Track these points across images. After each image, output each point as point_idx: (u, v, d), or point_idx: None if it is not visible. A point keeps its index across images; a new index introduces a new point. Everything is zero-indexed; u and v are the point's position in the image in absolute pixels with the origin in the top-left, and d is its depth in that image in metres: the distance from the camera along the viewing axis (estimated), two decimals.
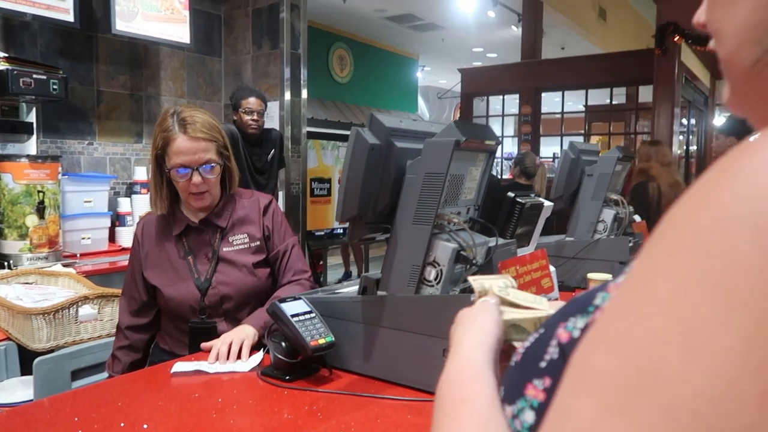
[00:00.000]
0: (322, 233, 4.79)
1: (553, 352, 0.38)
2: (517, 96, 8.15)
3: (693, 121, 8.25)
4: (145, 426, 1.01)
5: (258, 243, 1.61)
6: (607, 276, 1.81)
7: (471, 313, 0.53)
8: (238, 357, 1.36)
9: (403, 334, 1.18)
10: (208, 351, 1.36)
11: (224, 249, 1.58)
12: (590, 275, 1.83)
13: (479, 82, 8.47)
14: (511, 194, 1.62)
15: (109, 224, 3.15)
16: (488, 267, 1.29)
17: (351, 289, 1.38)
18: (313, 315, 1.25)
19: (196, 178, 1.51)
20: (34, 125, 2.94)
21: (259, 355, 1.36)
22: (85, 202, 3.05)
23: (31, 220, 2.63)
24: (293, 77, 3.90)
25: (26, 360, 1.95)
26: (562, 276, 2.12)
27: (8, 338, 1.94)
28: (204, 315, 1.55)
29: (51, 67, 2.80)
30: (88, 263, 2.81)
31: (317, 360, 1.27)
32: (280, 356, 1.23)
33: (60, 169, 2.78)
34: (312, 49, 6.10)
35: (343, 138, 5.22)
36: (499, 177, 8.49)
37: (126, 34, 3.28)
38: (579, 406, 0.26)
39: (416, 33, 9.58)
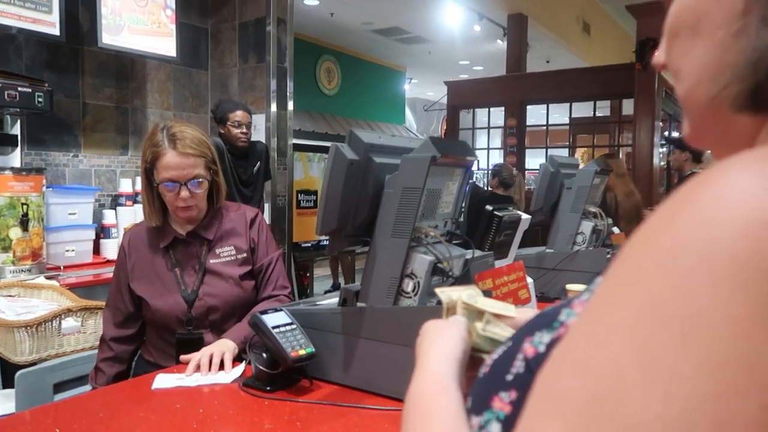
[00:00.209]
0: (309, 245, 4.80)
1: (519, 365, 0.39)
2: (502, 108, 8.25)
3: (676, 134, 8.39)
4: None
5: (244, 255, 1.64)
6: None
7: (437, 326, 0.54)
8: (221, 368, 1.37)
9: (382, 345, 1.20)
10: (188, 364, 1.38)
11: (211, 261, 1.60)
12: (569, 286, 1.87)
13: (465, 95, 8.56)
14: (489, 207, 1.66)
15: (93, 236, 3.15)
16: (466, 278, 1.33)
17: (331, 300, 1.41)
18: (293, 326, 1.27)
19: (184, 193, 1.54)
20: (19, 137, 2.94)
21: (240, 367, 1.38)
22: (70, 214, 3.05)
23: (15, 233, 2.63)
24: (279, 90, 3.93)
25: (8, 373, 1.95)
26: (542, 287, 2.16)
27: None
28: (191, 326, 1.56)
29: (36, 80, 2.81)
30: (72, 275, 2.81)
31: (298, 371, 1.29)
32: (261, 367, 1.25)
33: (44, 181, 2.78)
34: (299, 62, 6.15)
35: None
36: (486, 188, 8.56)
37: (112, 48, 3.30)
38: (543, 427, 0.27)
39: (403, 46, 9.68)
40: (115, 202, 3.50)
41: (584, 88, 7.46)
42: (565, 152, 9.02)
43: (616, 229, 2.51)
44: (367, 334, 1.23)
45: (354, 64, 9.97)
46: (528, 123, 8.26)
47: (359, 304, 1.25)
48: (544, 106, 8.31)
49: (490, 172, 4.26)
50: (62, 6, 2.97)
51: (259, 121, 3.81)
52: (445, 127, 11.43)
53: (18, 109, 2.75)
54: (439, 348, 0.50)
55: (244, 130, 3.27)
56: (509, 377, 0.39)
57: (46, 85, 2.82)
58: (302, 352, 1.23)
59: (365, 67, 10.32)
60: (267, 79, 3.90)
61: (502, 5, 7.69)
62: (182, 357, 1.43)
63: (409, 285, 1.21)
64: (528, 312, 0.59)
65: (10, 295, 2.30)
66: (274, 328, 1.24)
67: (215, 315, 1.58)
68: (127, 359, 1.64)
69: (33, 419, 1.12)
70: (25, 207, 2.64)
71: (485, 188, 8.18)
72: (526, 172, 7.89)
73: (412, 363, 0.52)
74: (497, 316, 0.57)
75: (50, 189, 2.95)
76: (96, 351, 1.72)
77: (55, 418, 1.11)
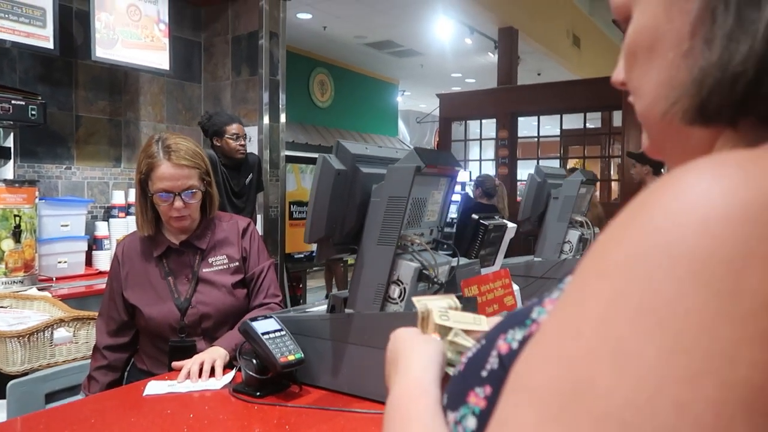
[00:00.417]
0: (302, 255, 4.82)
1: (493, 362, 0.41)
2: (494, 120, 8.33)
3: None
4: None
5: (237, 264, 1.67)
6: None
7: (413, 335, 0.56)
8: (211, 375, 1.39)
9: (369, 350, 1.23)
10: (179, 370, 1.40)
11: (204, 270, 1.63)
12: None
13: (457, 107, 8.64)
14: (475, 216, 1.69)
15: (86, 248, 3.16)
16: (452, 285, 1.36)
17: (320, 308, 1.43)
18: (283, 333, 1.29)
19: (178, 203, 1.56)
20: (12, 150, 2.96)
21: (231, 374, 1.40)
22: (62, 226, 3.06)
23: (7, 244, 2.64)
24: (272, 103, 3.97)
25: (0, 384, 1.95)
26: (530, 295, 2.19)
27: None
28: (183, 334, 1.58)
29: (30, 93, 2.84)
30: (65, 287, 2.81)
31: (287, 376, 1.31)
32: (251, 373, 1.27)
33: (37, 193, 2.80)
34: (293, 75, 6.21)
35: None
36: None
37: (106, 61, 3.33)
38: (518, 416, 0.28)
39: (396, 59, 9.77)
40: (108, 214, 3.51)
41: (575, 100, 7.55)
42: (556, 163, 9.11)
43: None
44: (355, 339, 1.25)
45: (347, 77, 10.05)
46: (519, 135, 8.34)
47: (347, 311, 1.28)
48: (536, 117, 8.40)
49: (473, 183, 4.46)
50: (56, 20, 3.01)
51: (251, 133, 3.84)
52: (437, 139, 11.53)
53: (11, 122, 2.77)
54: (422, 355, 0.52)
55: (242, 143, 3.31)
56: (484, 373, 0.41)
57: (40, 98, 2.84)
58: (291, 357, 1.25)
59: (358, 80, 10.40)
60: (259, 91, 3.94)
61: (492, 19, 7.80)
62: (174, 364, 1.45)
63: (395, 291, 1.23)
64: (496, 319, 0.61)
65: (2, 307, 2.31)
66: (263, 334, 1.26)
67: (208, 323, 1.60)
68: (121, 368, 1.66)
69: (25, 426, 1.14)
70: (17, 219, 2.66)
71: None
72: (519, 183, 7.96)
73: None
74: (468, 332, 0.59)
75: (43, 201, 2.96)
76: (88, 361, 1.73)
77: (47, 423, 1.13)
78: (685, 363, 0.24)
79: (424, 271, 1.23)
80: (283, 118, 4.06)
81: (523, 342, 0.40)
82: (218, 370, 1.41)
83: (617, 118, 8.36)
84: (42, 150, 3.29)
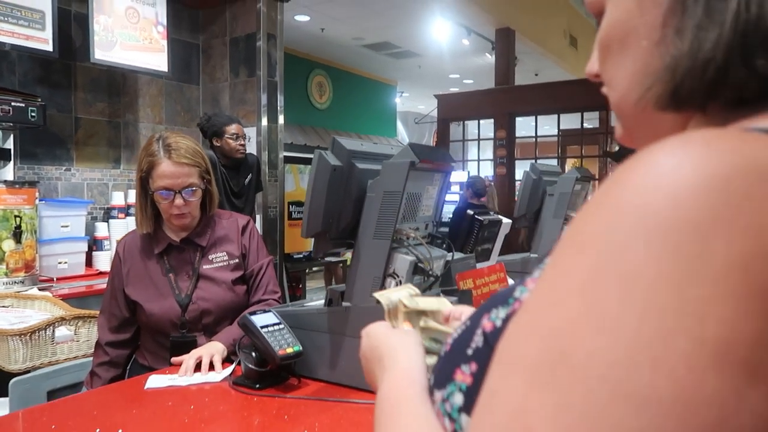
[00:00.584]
0: (301, 255, 4.84)
1: (478, 340, 0.42)
2: (492, 121, 8.36)
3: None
4: (120, 431, 1.06)
5: (236, 261, 1.69)
6: None
7: (388, 330, 0.58)
8: (210, 369, 1.42)
9: None
10: (179, 365, 1.42)
11: (204, 267, 1.65)
12: None
13: (455, 108, 8.68)
14: (470, 212, 1.72)
15: (86, 249, 3.18)
16: (447, 279, 1.38)
17: (318, 302, 1.46)
18: (281, 326, 1.32)
19: (179, 201, 1.59)
20: (12, 151, 2.98)
21: (230, 368, 1.43)
22: (62, 226, 3.08)
23: (8, 245, 2.66)
24: (270, 104, 4.00)
25: (1, 383, 1.97)
26: None
27: None
28: (184, 329, 1.61)
29: (29, 95, 2.86)
30: (65, 287, 2.84)
31: (286, 369, 1.34)
32: (250, 365, 1.30)
33: (37, 194, 2.83)
34: (291, 76, 6.23)
35: None
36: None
37: (105, 63, 3.36)
38: (507, 386, 0.30)
39: (394, 60, 9.80)
40: (108, 215, 3.54)
41: (572, 100, 7.57)
42: (554, 163, 9.13)
43: None
44: (352, 332, 1.28)
45: (345, 79, 10.08)
46: (517, 135, 8.37)
47: (344, 304, 1.30)
48: (533, 118, 8.43)
49: (465, 184, 4.67)
50: (55, 23, 3.03)
51: (250, 134, 3.87)
52: (436, 140, 11.56)
53: (11, 124, 2.79)
54: (406, 348, 0.54)
55: (242, 142, 3.34)
56: (469, 351, 0.42)
57: (39, 99, 2.87)
58: (290, 350, 1.28)
59: (356, 82, 10.43)
60: (258, 93, 3.97)
61: (489, 20, 7.83)
62: (173, 359, 1.47)
63: (391, 284, 1.26)
64: (462, 307, 0.64)
65: (3, 306, 2.33)
66: (262, 327, 1.29)
67: (208, 318, 1.62)
68: (122, 364, 1.68)
69: (30, 417, 1.16)
70: (18, 219, 2.68)
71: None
72: (517, 182, 7.99)
73: None
74: (435, 315, 0.61)
75: (43, 202, 2.98)
76: (89, 359, 1.75)
77: (50, 415, 1.15)
78: (660, 323, 0.26)
79: (420, 264, 1.25)
80: (281, 119, 4.09)
81: (506, 319, 0.41)
82: (216, 364, 1.43)
83: (614, 117, 8.38)
84: (41, 151, 3.31)
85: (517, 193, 7.61)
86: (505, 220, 1.87)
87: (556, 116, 8.28)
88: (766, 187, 0.27)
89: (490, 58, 8.76)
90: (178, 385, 1.33)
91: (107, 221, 3.46)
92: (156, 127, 3.88)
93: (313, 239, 1.28)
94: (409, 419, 0.44)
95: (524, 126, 8.84)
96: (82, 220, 3.20)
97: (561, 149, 9.38)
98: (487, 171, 10.07)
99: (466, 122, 9.07)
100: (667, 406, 0.25)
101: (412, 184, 1.25)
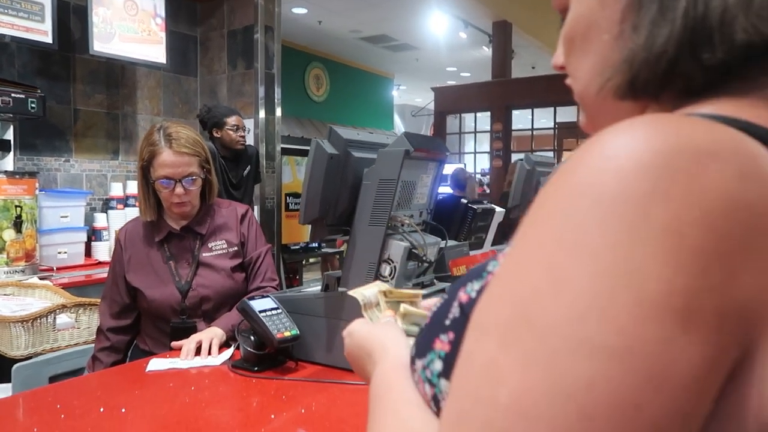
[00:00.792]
0: (298, 247, 4.88)
1: (455, 311, 0.46)
2: (488, 113, 8.39)
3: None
4: (123, 410, 1.10)
5: (235, 248, 1.73)
6: None
7: (376, 329, 0.61)
8: (209, 353, 1.45)
9: None
10: (179, 349, 1.46)
11: (204, 254, 1.69)
12: None
13: (452, 101, 8.70)
14: (464, 200, 1.75)
15: (85, 239, 3.21)
16: (441, 265, 1.42)
17: (315, 288, 1.50)
18: (279, 311, 1.36)
19: (179, 190, 1.62)
20: (12, 142, 3.01)
21: (229, 351, 1.47)
22: (62, 217, 3.11)
23: (9, 235, 2.69)
24: (267, 96, 4.02)
25: (3, 368, 2.01)
26: None
27: None
28: (184, 315, 1.65)
29: (29, 87, 2.88)
30: (65, 276, 2.87)
31: (284, 352, 1.38)
32: (249, 348, 1.33)
33: (37, 185, 2.85)
34: (288, 69, 6.24)
35: None
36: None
37: (103, 55, 3.37)
38: (480, 348, 0.33)
39: (391, 53, 9.81)
40: (106, 205, 3.56)
41: (568, 93, 7.51)
42: (550, 155, 9.17)
43: None
44: (348, 316, 1.31)
45: (342, 71, 10.08)
46: (514, 127, 8.40)
47: (341, 289, 1.34)
48: (530, 110, 8.47)
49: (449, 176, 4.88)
50: (54, 15, 3.05)
51: (248, 126, 3.89)
52: (433, 132, 11.58)
53: (11, 115, 2.82)
54: (392, 338, 0.58)
55: (242, 134, 3.37)
56: (447, 322, 0.46)
57: (39, 91, 2.89)
58: (287, 333, 1.32)
59: (353, 74, 10.43)
60: (255, 85, 3.99)
61: (486, 13, 7.84)
62: (173, 343, 1.51)
63: (386, 269, 1.30)
64: (435, 299, 0.67)
65: (5, 294, 2.36)
66: (261, 312, 1.32)
67: (208, 305, 1.66)
68: (123, 349, 1.72)
69: (34, 397, 1.20)
70: (18, 209, 2.71)
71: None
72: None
73: None
74: (413, 303, 0.65)
75: (43, 192, 3.01)
76: (90, 345, 1.79)
77: (55, 395, 1.19)
78: (609, 282, 0.30)
79: (414, 251, 1.29)
80: (279, 111, 4.11)
81: (480, 291, 0.45)
82: (215, 349, 1.47)
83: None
84: (41, 143, 3.33)
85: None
86: (498, 209, 1.91)
87: (552, 109, 8.32)
88: (699, 162, 0.31)
89: (487, 51, 8.79)
90: (179, 368, 1.37)
91: (106, 212, 3.49)
92: (154, 119, 3.90)
93: (310, 226, 1.31)
94: (400, 403, 0.48)
95: (521, 119, 8.88)
96: (81, 211, 3.23)
97: (557, 142, 9.42)
98: (484, 163, 10.11)
99: (462, 115, 9.10)
100: (615, 354, 0.29)
101: (406, 172, 1.28)
